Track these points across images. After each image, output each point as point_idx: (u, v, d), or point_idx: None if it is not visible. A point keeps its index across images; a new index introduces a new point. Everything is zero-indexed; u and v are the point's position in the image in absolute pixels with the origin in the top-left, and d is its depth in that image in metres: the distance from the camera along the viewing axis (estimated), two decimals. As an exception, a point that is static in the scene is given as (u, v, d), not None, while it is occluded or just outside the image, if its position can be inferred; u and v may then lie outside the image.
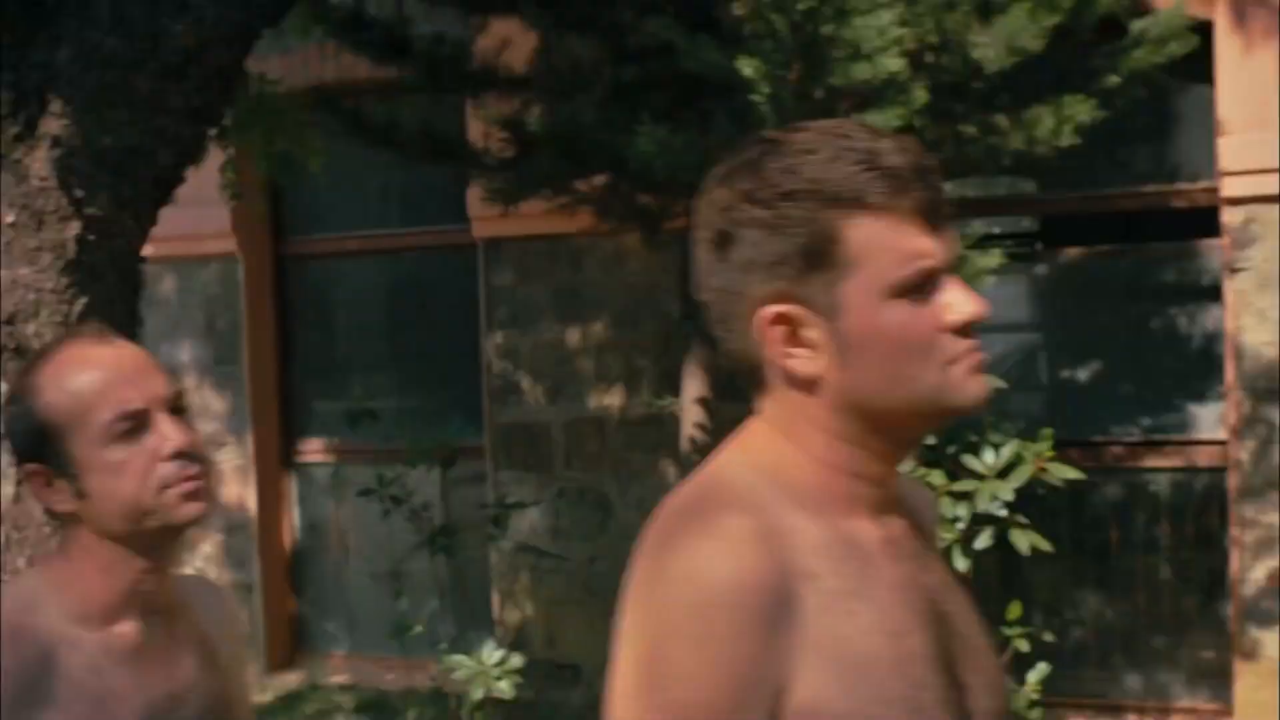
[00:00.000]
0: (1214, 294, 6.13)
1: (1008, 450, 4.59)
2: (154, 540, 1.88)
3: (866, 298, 1.47)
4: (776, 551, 1.39)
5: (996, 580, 6.01)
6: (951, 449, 4.69)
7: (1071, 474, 4.61)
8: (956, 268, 1.49)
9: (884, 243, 1.46)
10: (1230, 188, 5.94)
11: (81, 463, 1.85)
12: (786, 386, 1.52)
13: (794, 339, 1.49)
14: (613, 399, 6.85)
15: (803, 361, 1.49)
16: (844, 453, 1.51)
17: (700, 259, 1.53)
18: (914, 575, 1.51)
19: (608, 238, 6.32)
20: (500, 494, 6.92)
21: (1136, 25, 5.13)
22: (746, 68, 3.81)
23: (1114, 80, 5.01)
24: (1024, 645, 4.86)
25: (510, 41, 5.08)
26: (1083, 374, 6.64)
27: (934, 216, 1.50)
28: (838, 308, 1.47)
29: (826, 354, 1.49)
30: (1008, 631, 4.90)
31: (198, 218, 6.56)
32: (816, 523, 1.46)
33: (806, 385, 1.50)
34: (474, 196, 6.37)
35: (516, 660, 5.67)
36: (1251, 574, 5.83)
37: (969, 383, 1.49)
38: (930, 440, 4.83)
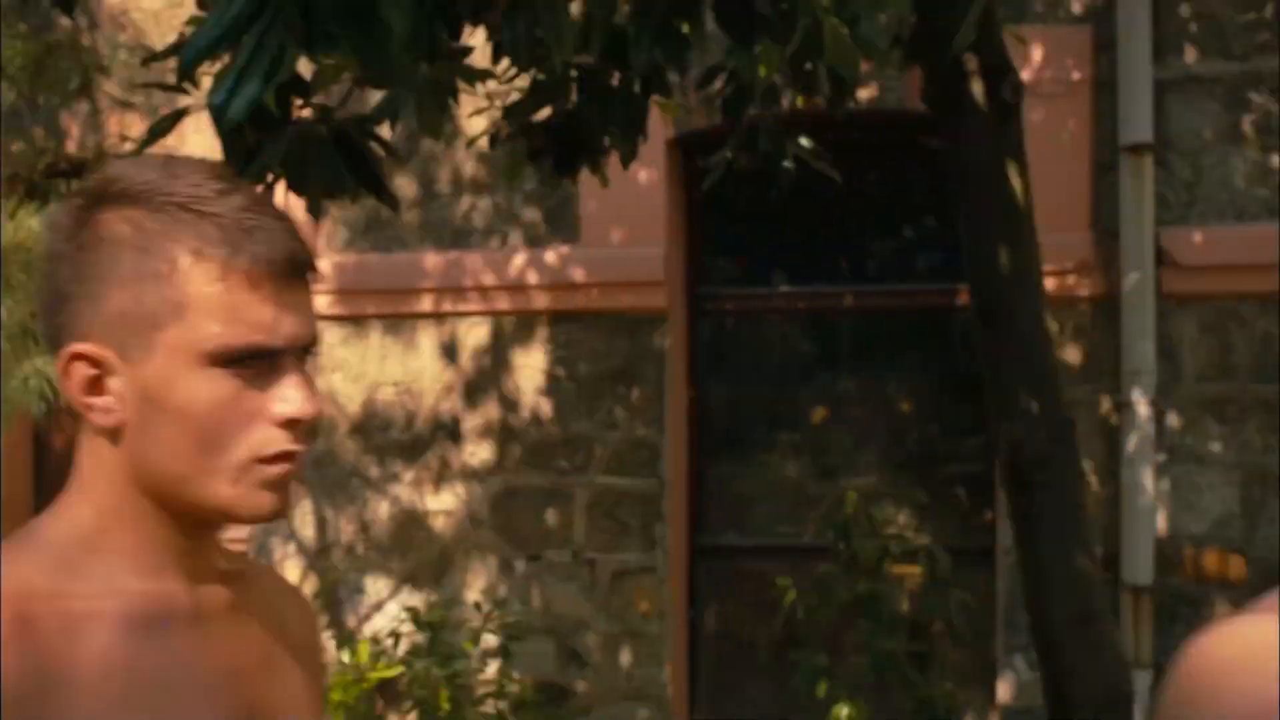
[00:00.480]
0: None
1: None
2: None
3: (180, 356, 1.28)
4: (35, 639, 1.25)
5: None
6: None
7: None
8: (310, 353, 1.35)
9: (215, 300, 1.28)
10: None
11: None
12: (91, 433, 1.34)
13: (98, 385, 1.31)
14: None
15: (100, 413, 1.31)
16: (144, 514, 1.34)
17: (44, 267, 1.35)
18: (217, 647, 1.38)
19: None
20: None
21: None
22: None
23: None
24: None
25: None
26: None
27: (284, 282, 1.32)
28: (146, 360, 1.29)
29: (128, 409, 1.31)
30: None
31: None
32: (124, 584, 1.32)
33: (109, 436, 1.32)
34: None
35: None
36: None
37: (261, 494, 1.33)
38: None
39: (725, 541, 6.31)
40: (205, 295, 1.28)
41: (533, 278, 6.18)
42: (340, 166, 3.83)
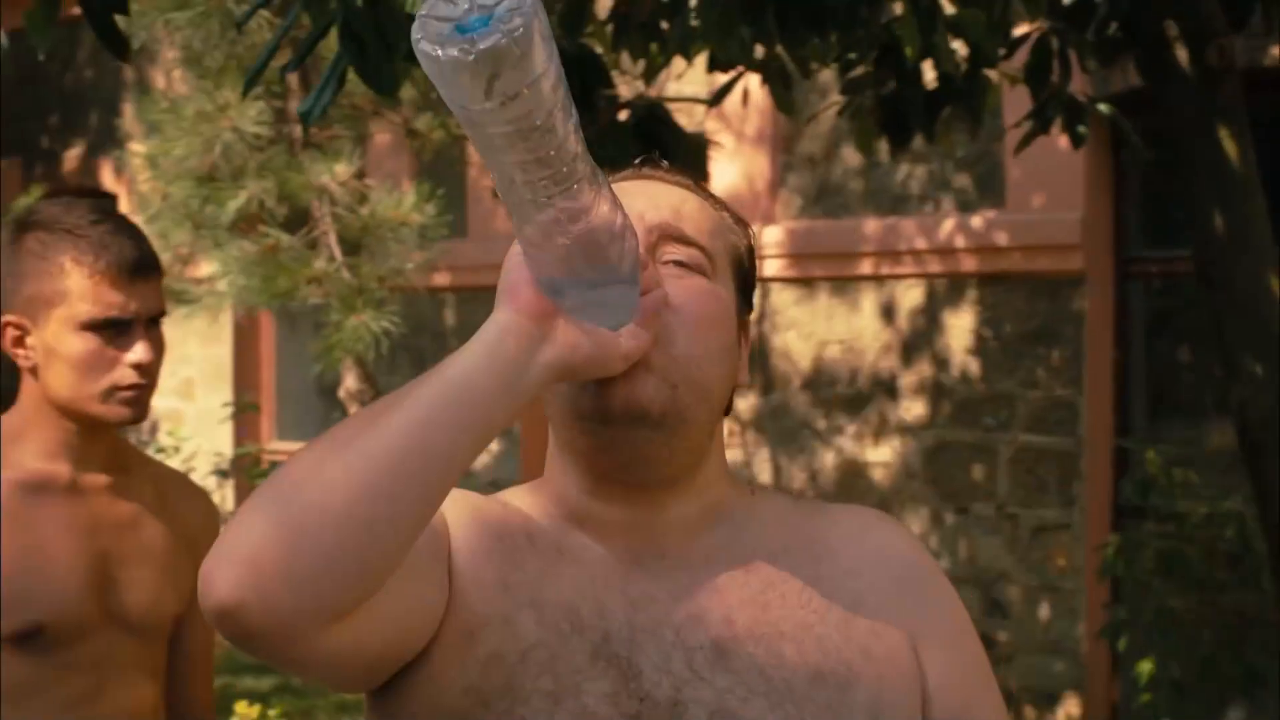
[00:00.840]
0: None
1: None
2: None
3: (65, 324, 2.06)
4: None
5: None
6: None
7: None
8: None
9: (86, 289, 2.06)
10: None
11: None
12: (24, 371, 2.12)
13: (21, 341, 2.09)
14: None
15: (23, 359, 2.10)
16: (51, 421, 2.11)
17: None
18: (82, 510, 2.12)
19: None
20: None
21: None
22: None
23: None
24: None
25: None
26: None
27: (131, 277, 2.06)
28: (46, 326, 2.07)
29: (38, 356, 2.08)
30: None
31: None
32: None
33: (31, 373, 2.10)
34: None
35: None
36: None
37: (121, 408, 2.09)
38: None
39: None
40: (79, 286, 2.07)
41: (960, 242, 6.44)
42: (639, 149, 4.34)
